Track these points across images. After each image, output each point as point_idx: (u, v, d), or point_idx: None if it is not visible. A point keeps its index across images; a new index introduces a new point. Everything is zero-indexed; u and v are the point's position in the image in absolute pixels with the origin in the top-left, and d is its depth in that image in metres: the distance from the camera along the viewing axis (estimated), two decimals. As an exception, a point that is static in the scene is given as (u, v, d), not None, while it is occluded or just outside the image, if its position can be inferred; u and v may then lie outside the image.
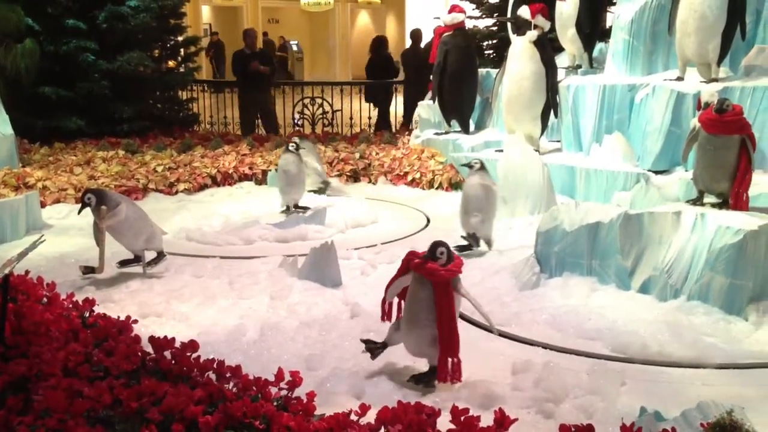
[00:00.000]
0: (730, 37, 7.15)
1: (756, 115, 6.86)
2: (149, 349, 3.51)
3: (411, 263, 3.72)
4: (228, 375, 3.34)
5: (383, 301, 3.93)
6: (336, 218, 7.05)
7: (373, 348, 3.94)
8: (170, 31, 12.87)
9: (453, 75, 9.54)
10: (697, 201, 5.39)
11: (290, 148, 7.34)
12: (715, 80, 7.16)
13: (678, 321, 4.50)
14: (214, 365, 3.37)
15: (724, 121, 5.09)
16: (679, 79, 7.40)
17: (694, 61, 7.35)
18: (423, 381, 3.77)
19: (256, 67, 12.01)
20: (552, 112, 8.40)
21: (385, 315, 3.94)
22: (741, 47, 7.49)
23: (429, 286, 3.65)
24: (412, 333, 3.76)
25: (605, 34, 9.51)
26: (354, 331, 4.47)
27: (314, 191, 8.10)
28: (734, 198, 5.14)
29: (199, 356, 3.46)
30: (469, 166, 6.13)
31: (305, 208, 7.22)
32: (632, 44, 8.12)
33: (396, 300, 3.91)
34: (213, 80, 14.27)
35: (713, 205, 5.27)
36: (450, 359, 3.67)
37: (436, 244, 3.66)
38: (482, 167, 6.08)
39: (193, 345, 3.51)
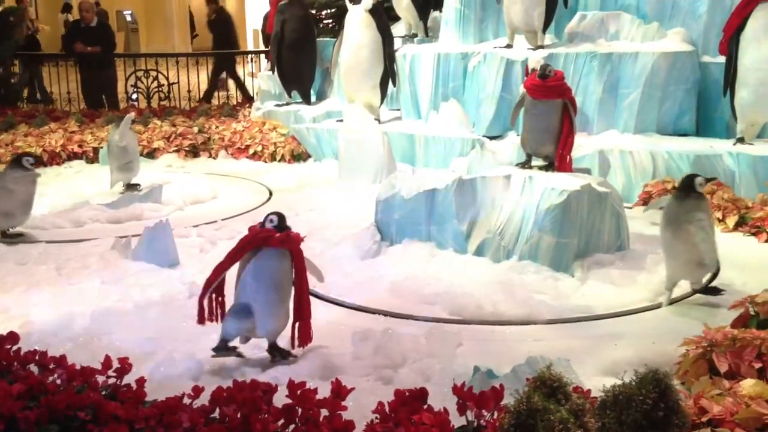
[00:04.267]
0: (554, 5, 7.47)
1: (579, 79, 7.23)
2: (-37, 345, 3.26)
3: (271, 240, 3.60)
4: (52, 366, 3.15)
5: (202, 299, 3.70)
6: (173, 195, 6.83)
7: (228, 353, 3.75)
8: (-14, 1, 11.96)
9: (291, 45, 9.43)
10: (526, 164, 5.59)
11: (124, 123, 7.06)
12: (542, 47, 7.46)
13: (510, 280, 4.68)
14: (36, 357, 3.17)
15: (546, 87, 5.30)
16: (509, 46, 7.65)
17: (521, 29, 7.61)
18: (284, 353, 3.74)
19: (82, 49, 11.50)
20: (390, 80, 8.47)
21: (209, 314, 3.72)
22: (565, 14, 7.84)
23: (289, 257, 3.62)
24: (281, 310, 3.67)
25: (439, 3, 9.66)
26: (192, 311, 4.29)
27: None
28: (558, 160, 5.38)
29: (19, 348, 3.24)
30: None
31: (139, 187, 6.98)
32: (464, 13, 8.32)
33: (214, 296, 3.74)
34: (42, 53, 13.39)
35: (540, 168, 5.49)
36: (301, 322, 3.70)
37: (280, 214, 3.63)
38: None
39: (12, 337, 3.29)
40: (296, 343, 3.71)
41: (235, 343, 3.75)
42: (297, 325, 3.71)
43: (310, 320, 3.74)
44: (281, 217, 3.62)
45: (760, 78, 6.47)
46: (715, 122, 7.33)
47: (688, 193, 4.23)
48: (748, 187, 6.18)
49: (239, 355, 3.74)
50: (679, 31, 7.41)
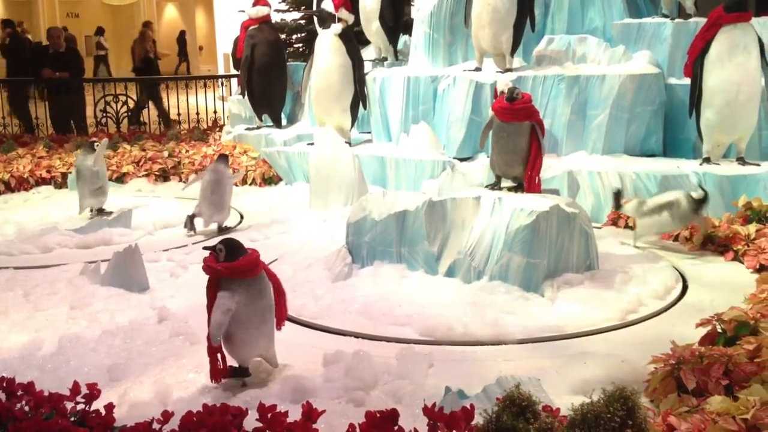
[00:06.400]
0: (521, 29, 7.57)
1: (547, 102, 7.31)
2: (-74, 373, 3.21)
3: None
4: (20, 393, 3.11)
5: None
6: (143, 220, 6.79)
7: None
8: (-48, 26, 11.88)
9: (261, 69, 9.45)
10: (495, 185, 5.65)
11: (95, 146, 7.02)
12: (510, 70, 7.55)
13: (481, 301, 4.69)
14: (4, 384, 3.13)
15: (514, 109, 5.37)
16: (477, 69, 7.73)
17: (489, 52, 7.70)
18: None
19: (50, 74, 11.47)
20: (361, 103, 8.52)
21: None
22: (532, 38, 7.95)
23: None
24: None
25: (409, 27, 9.77)
26: (162, 335, 4.31)
27: None
28: (527, 181, 5.43)
29: (-15, 376, 3.20)
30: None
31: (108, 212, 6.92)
32: (433, 37, 8.41)
33: None
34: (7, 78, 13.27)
35: (509, 189, 5.54)
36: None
37: (223, 240, 3.67)
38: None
39: (-22, 365, 3.25)
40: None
41: None
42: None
43: (213, 361, 3.62)
44: (220, 243, 3.65)
45: (724, 99, 6.59)
46: (681, 143, 7.44)
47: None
48: (714, 207, 6.26)
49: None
50: (645, 53, 7.54)
